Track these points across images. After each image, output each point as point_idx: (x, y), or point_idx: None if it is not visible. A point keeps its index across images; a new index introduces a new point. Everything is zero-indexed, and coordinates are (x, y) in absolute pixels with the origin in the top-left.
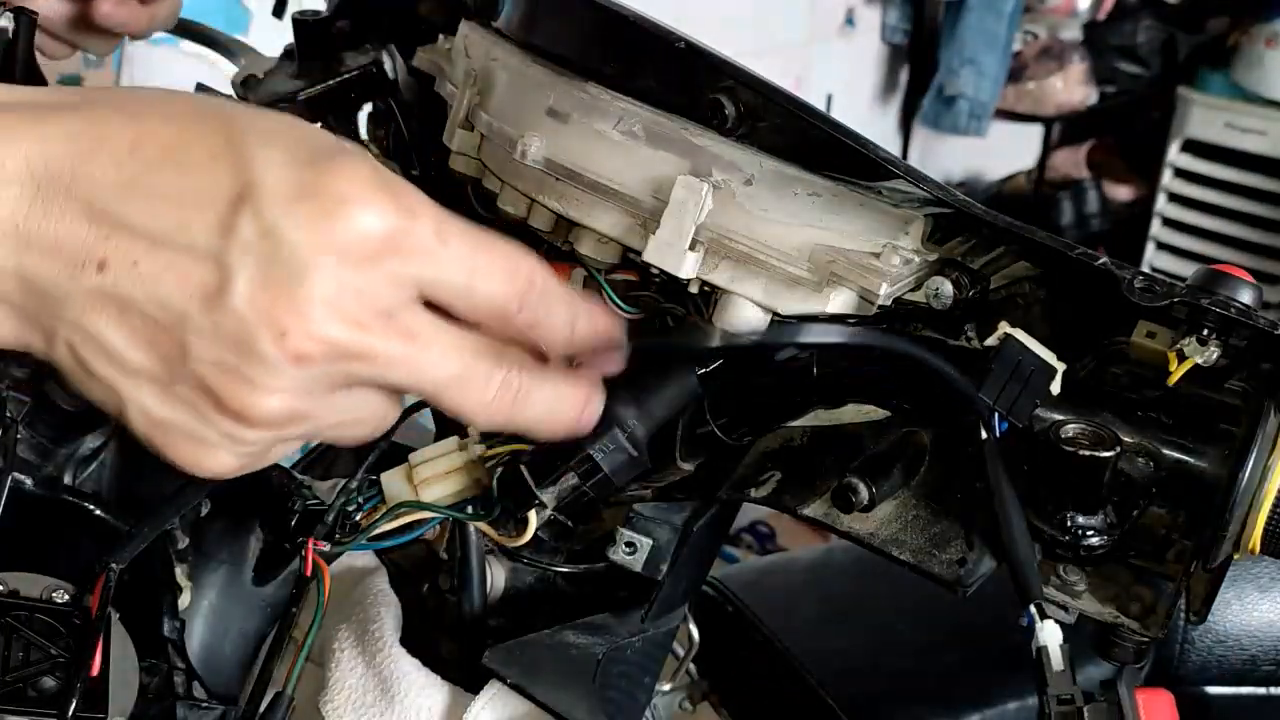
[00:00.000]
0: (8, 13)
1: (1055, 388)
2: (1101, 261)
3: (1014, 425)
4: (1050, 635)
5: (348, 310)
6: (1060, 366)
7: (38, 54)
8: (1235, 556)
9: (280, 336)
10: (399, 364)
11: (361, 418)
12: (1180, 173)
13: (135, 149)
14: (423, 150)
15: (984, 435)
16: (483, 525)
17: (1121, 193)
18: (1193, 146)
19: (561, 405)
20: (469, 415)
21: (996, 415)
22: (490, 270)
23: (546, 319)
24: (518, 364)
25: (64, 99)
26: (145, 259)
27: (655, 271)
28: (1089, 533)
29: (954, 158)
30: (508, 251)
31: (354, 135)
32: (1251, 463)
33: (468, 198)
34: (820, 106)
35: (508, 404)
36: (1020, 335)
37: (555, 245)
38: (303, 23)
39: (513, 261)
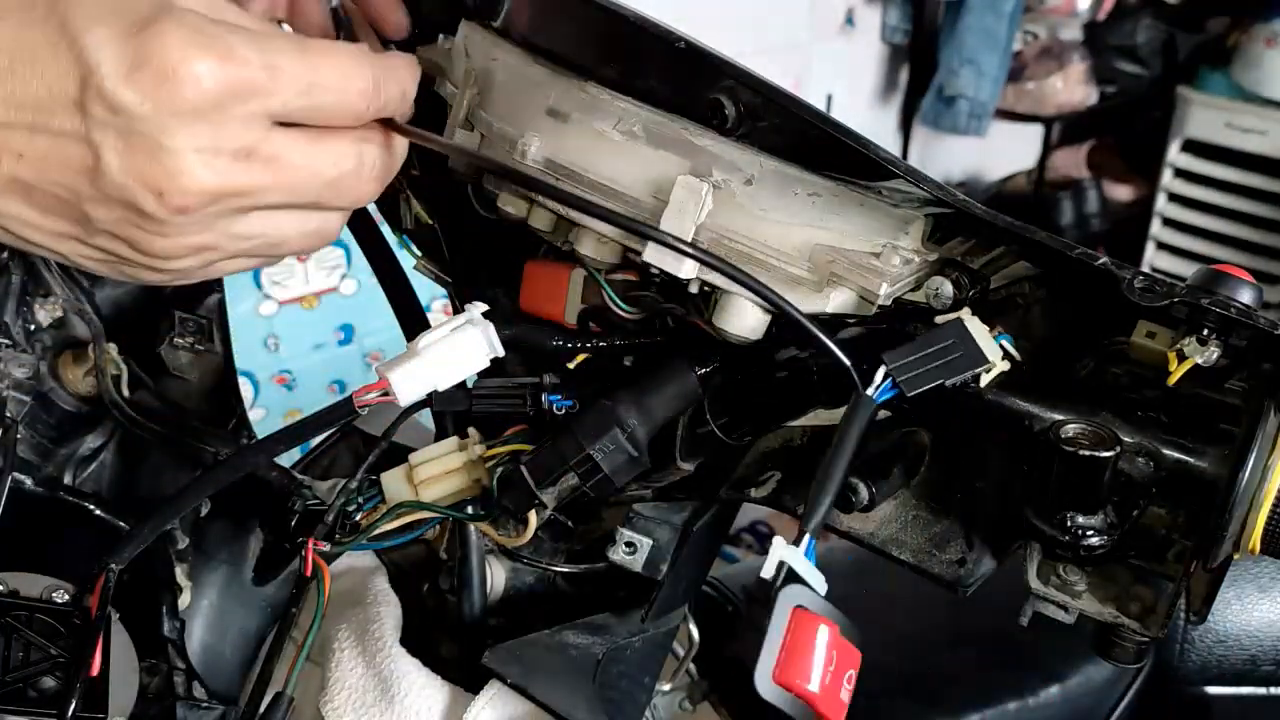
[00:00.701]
0: None
1: (984, 380)
2: (1101, 261)
3: (902, 395)
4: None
5: (208, 159)
6: (997, 365)
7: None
8: (1235, 556)
9: (159, 196)
10: (273, 189)
11: (277, 237)
12: (1180, 173)
13: None
14: (423, 150)
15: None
16: (483, 525)
17: (1121, 193)
18: (1193, 146)
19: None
20: (354, 205)
21: (888, 379)
22: (327, 84)
23: (391, 103)
24: (372, 140)
25: None
26: (27, 149)
27: (655, 271)
28: (1089, 533)
29: (954, 158)
30: (339, 60)
31: None
32: (1251, 463)
33: (468, 197)
34: (820, 106)
35: (377, 177)
36: (973, 325)
37: (555, 245)
38: None
39: (345, 67)
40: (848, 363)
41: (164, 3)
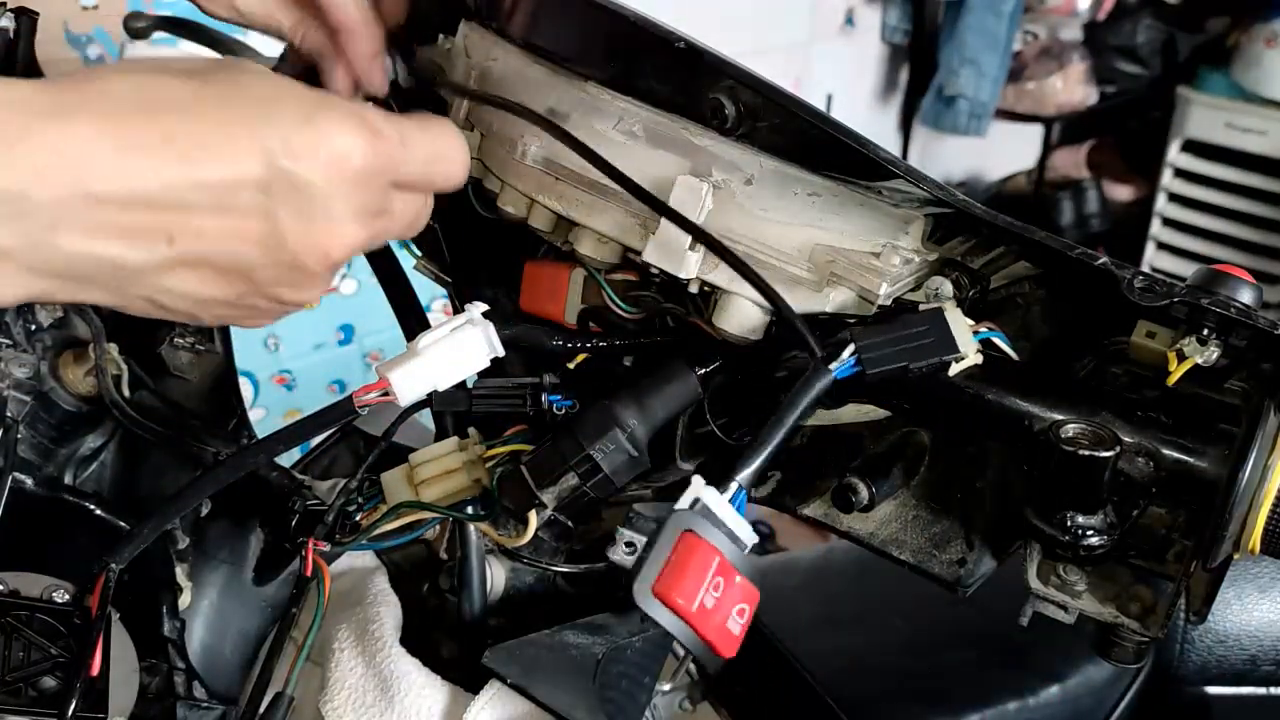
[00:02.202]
0: (9, 13)
1: (953, 370)
2: (1101, 261)
3: (863, 372)
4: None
5: (360, 220)
6: (969, 358)
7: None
8: (1235, 556)
9: (325, 256)
10: (383, 237)
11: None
12: (1180, 173)
13: (166, 143)
14: None
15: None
16: (483, 525)
17: (1121, 193)
18: (1193, 146)
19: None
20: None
21: (854, 354)
22: (444, 156)
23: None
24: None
25: (77, 99)
26: (207, 227)
27: (655, 271)
28: (1089, 532)
29: (954, 158)
30: (452, 138)
31: None
32: (1251, 462)
33: (468, 197)
34: (820, 106)
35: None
36: (953, 316)
37: (555, 245)
38: None
39: (456, 143)
40: (807, 333)
41: (321, 95)
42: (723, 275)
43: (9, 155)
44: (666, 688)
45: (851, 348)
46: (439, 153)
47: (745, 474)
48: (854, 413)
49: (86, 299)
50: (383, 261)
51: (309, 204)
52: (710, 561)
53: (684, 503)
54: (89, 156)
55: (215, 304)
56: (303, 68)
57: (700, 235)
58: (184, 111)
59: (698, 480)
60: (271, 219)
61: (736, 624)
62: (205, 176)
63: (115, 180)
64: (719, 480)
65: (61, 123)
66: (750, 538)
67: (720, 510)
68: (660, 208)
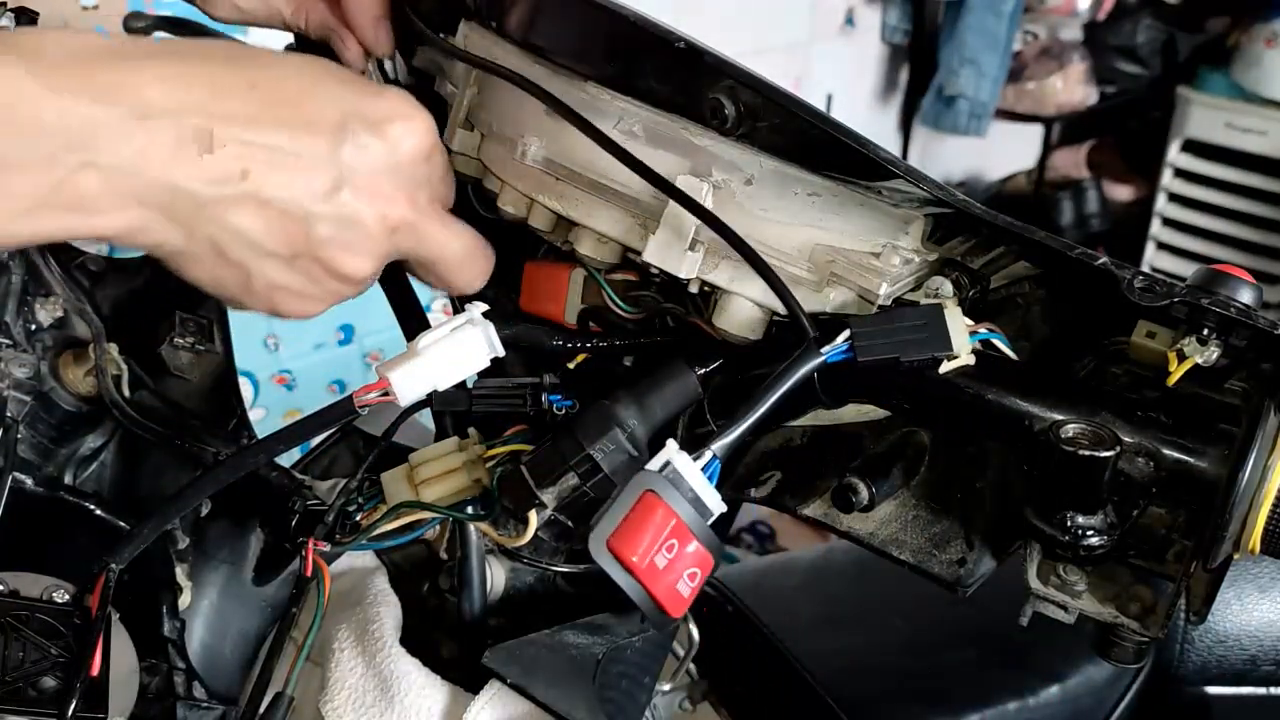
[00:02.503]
0: (9, 13)
1: (944, 368)
2: (1101, 261)
3: (854, 359)
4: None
5: (412, 197)
6: (961, 357)
7: None
8: (1235, 556)
9: (381, 218)
10: (430, 241)
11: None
12: (1180, 173)
13: (251, 89)
14: None
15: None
16: (483, 525)
17: (1121, 193)
18: (1193, 146)
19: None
20: (456, 287)
21: (848, 340)
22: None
23: None
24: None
25: (171, 49)
26: (279, 168)
27: (655, 271)
28: (1089, 533)
29: (954, 158)
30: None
31: None
32: (1251, 463)
33: (468, 197)
34: (820, 106)
35: (478, 275)
36: (951, 315)
37: (555, 245)
38: None
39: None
40: (801, 313)
41: (382, 85)
42: (722, 275)
43: (121, 85)
44: (666, 688)
45: (847, 333)
46: (450, 167)
47: (720, 444)
48: (854, 413)
49: (163, 239)
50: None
51: (371, 164)
52: (666, 523)
53: (654, 464)
54: (185, 89)
55: (272, 259)
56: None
57: (704, 215)
58: (268, 68)
59: (671, 444)
60: (338, 171)
61: (686, 587)
62: (283, 125)
63: (205, 113)
64: (695, 449)
65: (163, 60)
66: (717, 506)
67: (689, 474)
68: (665, 186)
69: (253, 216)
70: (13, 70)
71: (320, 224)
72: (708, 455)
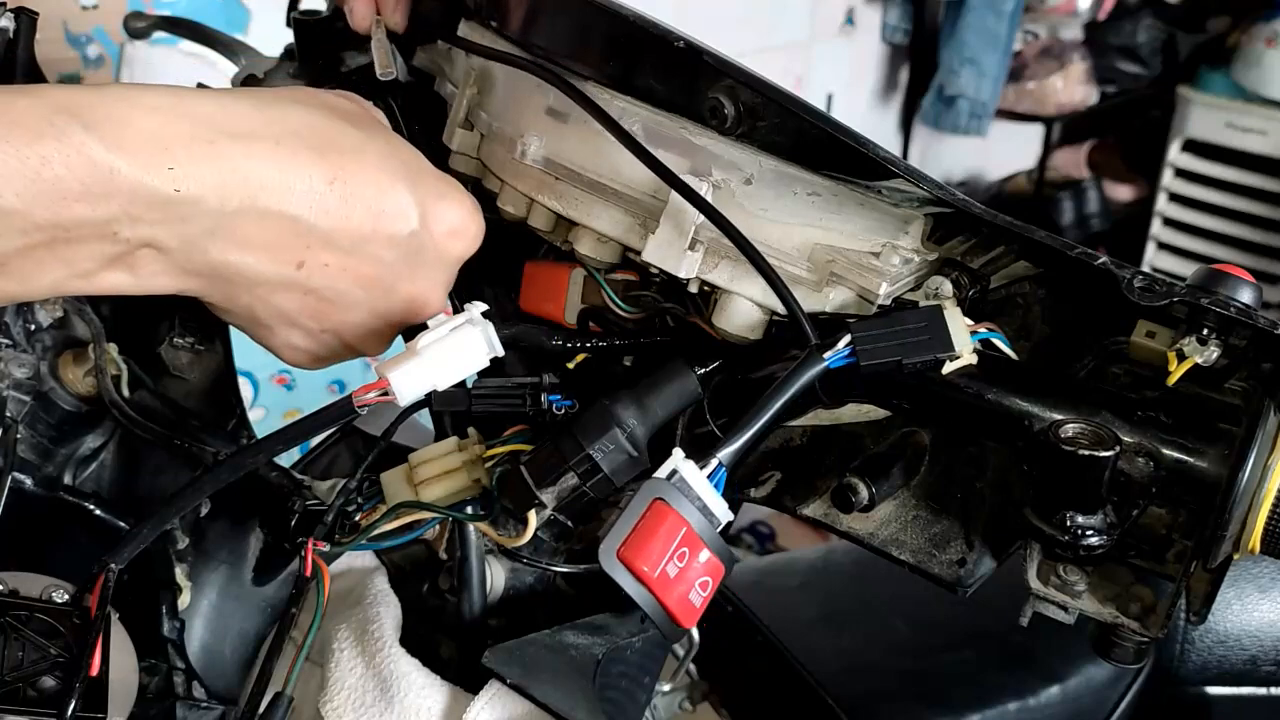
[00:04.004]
0: (9, 13)
1: (946, 369)
2: (1101, 261)
3: (856, 364)
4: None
5: (443, 291)
6: (964, 357)
7: None
8: (1235, 556)
9: (414, 315)
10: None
11: None
12: (1180, 172)
13: (331, 185)
14: (422, 150)
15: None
16: (483, 525)
17: (1122, 193)
18: (1193, 146)
19: None
20: None
21: (849, 345)
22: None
23: None
24: None
25: (259, 126)
26: (335, 263)
27: (655, 271)
28: (1089, 532)
29: (954, 158)
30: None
31: None
32: (1251, 462)
33: None
34: (820, 106)
35: None
36: (952, 315)
37: (555, 245)
38: (303, 23)
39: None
40: (803, 318)
41: (446, 175)
42: (722, 275)
43: (196, 168)
44: (666, 688)
45: (847, 338)
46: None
47: (726, 452)
48: (854, 413)
49: (209, 296)
50: None
51: (425, 267)
52: (677, 531)
53: (661, 473)
54: (263, 178)
55: (297, 331)
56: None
57: (711, 213)
58: (352, 160)
59: (677, 453)
60: (392, 272)
61: (698, 596)
62: (353, 220)
63: (280, 204)
64: (701, 457)
65: (245, 144)
66: (725, 514)
67: (696, 483)
68: (670, 178)
69: (295, 300)
70: (96, 150)
71: (355, 314)
72: (714, 463)
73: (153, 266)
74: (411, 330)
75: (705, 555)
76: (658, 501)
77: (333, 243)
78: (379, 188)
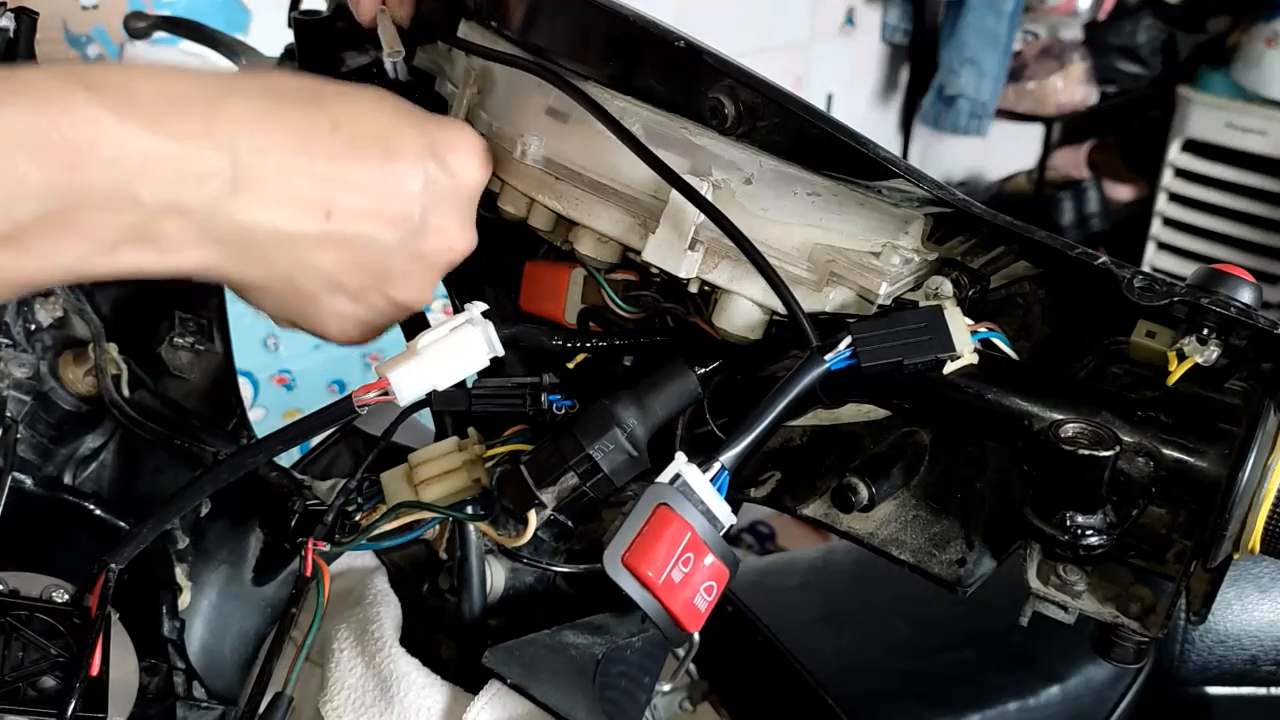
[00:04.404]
0: (9, 13)
1: (948, 369)
2: (1101, 261)
3: (858, 365)
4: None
5: (471, 227)
6: (965, 357)
7: None
8: (1235, 556)
9: (448, 251)
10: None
11: None
12: (1181, 172)
13: (335, 129)
14: None
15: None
16: (482, 525)
17: (1122, 193)
18: (1193, 146)
19: None
20: None
21: (850, 347)
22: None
23: None
24: None
25: (256, 88)
26: (363, 207)
27: (655, 271)
28: (1089, 532)
29: (954, 157)
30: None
31: None
32: (1251, 462)
33: None
34: (820, 106)
35: None
36: (952, 315)
37: (555, 245)
38: (303, 23)
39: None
40: (805, 320)
41: (447, 118)
42: (722, 275)
43: (204, 125)
44: (666, 688)
45: (848, 339)
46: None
47: (728, 455)
48: (854, 413)
49: (241, 272)
50: None
51: (445, 200)
52: (681, 536)
53: (664, 478)
54: (270, 129)
55: (341, 294)
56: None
57: (713, 213)
58: (348, 106)
59: (680, 457)
60: (421, 208)
61: (703, 601)
62: (368, 163)
63: (293, 153)
64: (703, 460)
65: (247, 100)
66: (728, 518)
67: (699, 488)
68: (672, 178)
69: (333, 256)
70: (100, 110)
71: (394, 260)
72: (716, 467)
73: (178, 236)
74: (411, 330)
75: (709, 560)
76: (661, 507)
77: (352, 184)
78: (381, 125)
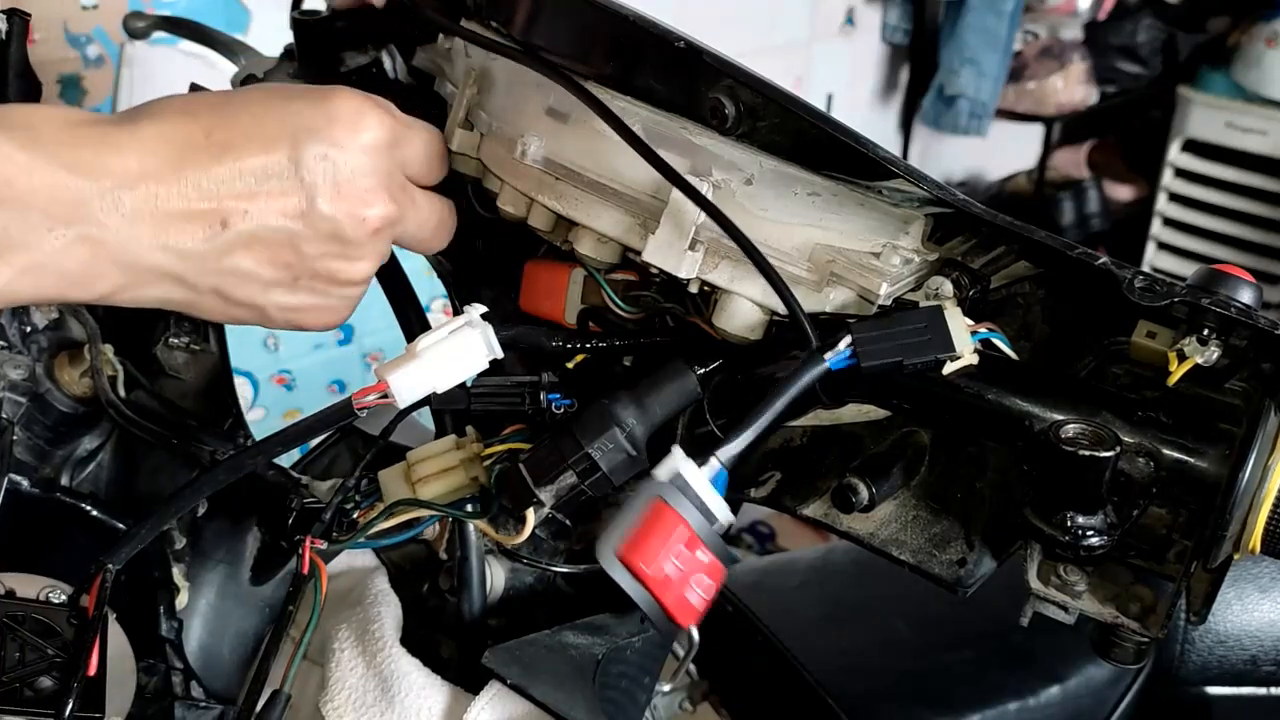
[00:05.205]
0: (2, 14)
1: (947, 369)
2: (1101, 261)
3: (858, 365)
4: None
5: (386, 190)
6: (965, 357)
7: None
8: (1235, 556)
9: (361, 222)
10: (411, 221)
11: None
12: (1181, 172)
13: (208, 136)
14: None
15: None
16: (481, 523)
17: (1122, 193)
18: (1193, 146)
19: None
20: (426, 251)
21: (850, 347)
22: (434, 150)
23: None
24: (448, 203)
25: (140, 115)
26: (251, 206)
27: (655, 271)
28: (1089, 533)
29: (954, 158)
30: (434, 132)
31: None
32: (1251, 463)
33: (468, 197)
34: (820, 106)
35: (447, 238)
36: (952, 315)
37: (555, 245)
38: (303, 23)
39: (437, 137)
40: (805, 319)
41: (332, 86)
42: (722, 275)
43: (99, 162)
44: (666, 688)
45: (848, 339)
46: (434, 148)
47: (726, 451)
48: (854, 413)
49: (167, 295)
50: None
51: (335, 171)
52: (675, 530)
53: (661, 472)
54: (152, 154)
55: (276, 288)
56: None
57: (715, 214)
58: (219, 110)
59: (677, 451)
60: (305, 190)
61: (697, 596)
62: (244, 161)
63: (174, 171)
64: (701, 456)
65: (128, 128)
66: (725, 516)
67: (696, 483)
68: (671, 174)
69: (247, 257)
70: (6, 146)
71: (306, 243)
72: (714, 464)
73: (97, 267)
74: (409, 327)
75: (704, 555)
76: (657, 501)
77: (234, 187)
78: (253, 117)
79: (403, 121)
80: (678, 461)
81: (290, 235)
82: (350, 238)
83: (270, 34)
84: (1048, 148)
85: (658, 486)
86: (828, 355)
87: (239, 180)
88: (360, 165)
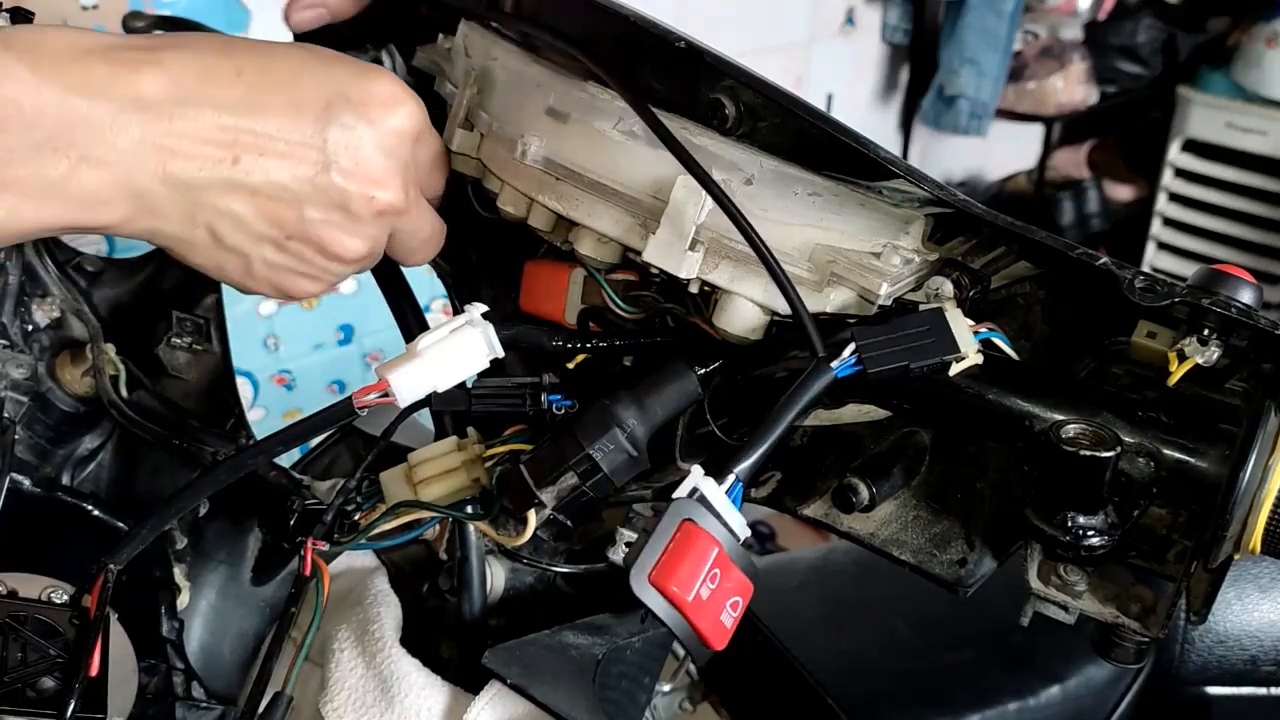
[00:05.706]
0: (5, 13)
1: (953, 370)
2: (1102, 261)
3: (864, 371)
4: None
5: (401, 177)
6: (969, 358)
7: None
8: (1235, 556)
9: (369, 201)
10: (411, 220)
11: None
12: (1181, 173)
13: (238, 75)
14: None
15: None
16: (482, 525)
17: (1122, 193)
18: (1193, 146)
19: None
20: (410, 263)
21: (855, 354)
22: (443, 164)
23: None
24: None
25: (163, 43)
26: (267, 153)
27: (655, 271)
28: (1089, 533)
29: (954, 158)
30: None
31: None
32: (1252, 463)
33: (468, 197)
34: (820, 106)
35: (432, 254)
36: (953, 316)
37: (555, 245)
38: None
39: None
40: (812, 328)
41: (371, 64)
42: (723, 275)
43: (111, 84)
44: (666, 688)
45: (852, 346)
46: (444, 165)
47: (743, 467)
48: (854, 413)
49: (163, 225)
50: (382, 262)
51: (359, 145)
52: (709, 552)
53: (683, 492)
54: (173, 80)
55: (268, 245)
56: None
57: (713, 190)
58: (256, 54)
59: (696, 470)
60: (325, 156)
61: (729, 617)
62: (270, 111)
63: (195, 100)
64: (717, 473)
65: (152, 53)
66: (744, 531)
67: (717, 501)
68: (684, 156)
69: (245, 202)
70: (14, 67)
71: (310, 207)
72: (730, 479)
73: (100, 191)
74: (408, 327)
75: (734, 574)
76: (687, 523)
77: (255, 131)
78: (291, 72)
79: (429, 124)
80: (698, 480)
81: (296, 196)
82: (355, 211)
83: (270, 34)
84: (1048, 148)
85: (685, 507)
86: (834, 364)
87: (260, 128)
88: (384, 146)
